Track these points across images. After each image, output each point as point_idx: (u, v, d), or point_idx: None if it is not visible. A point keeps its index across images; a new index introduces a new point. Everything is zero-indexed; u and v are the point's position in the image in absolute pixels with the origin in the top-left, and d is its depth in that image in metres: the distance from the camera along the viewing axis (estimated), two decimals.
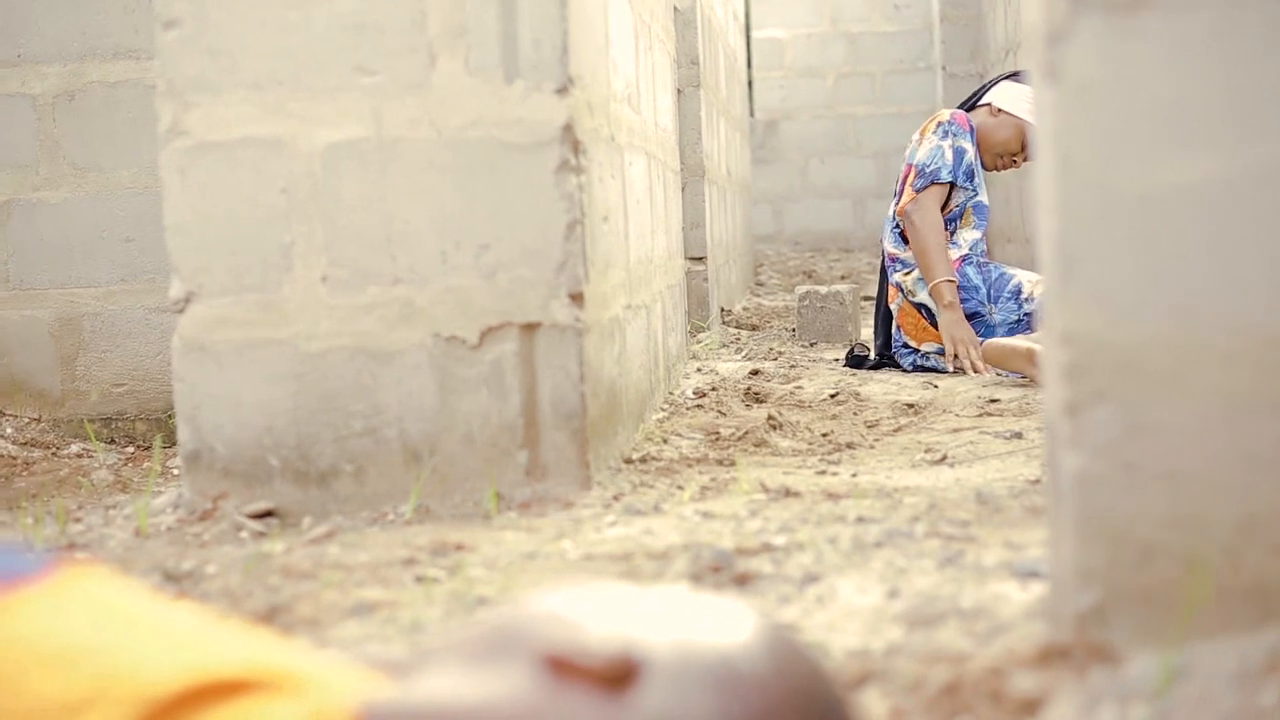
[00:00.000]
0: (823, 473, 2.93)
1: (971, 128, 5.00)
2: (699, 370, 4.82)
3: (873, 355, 5.11)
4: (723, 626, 1.02)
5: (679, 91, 5.96)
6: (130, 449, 3.85)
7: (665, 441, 3.24)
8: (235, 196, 2.58)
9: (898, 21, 12.30)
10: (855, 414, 3.81)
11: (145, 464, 3.53)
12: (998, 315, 4.87)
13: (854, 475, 2.88)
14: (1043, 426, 1.73)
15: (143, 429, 3.98)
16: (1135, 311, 1.49)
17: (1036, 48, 1.53)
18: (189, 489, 2.59)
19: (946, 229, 4.97)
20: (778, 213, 12.26)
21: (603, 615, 1.03)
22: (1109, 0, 1.48)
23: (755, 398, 4.04)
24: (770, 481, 2.73)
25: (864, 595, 1.86)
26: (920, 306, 4.93)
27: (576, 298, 2.55)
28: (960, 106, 5.17)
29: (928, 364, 4.93)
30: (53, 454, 3.70)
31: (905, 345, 4.99)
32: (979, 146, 5.06)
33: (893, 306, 5.05)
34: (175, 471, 3.25)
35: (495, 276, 2.55)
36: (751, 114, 12.18)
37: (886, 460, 3.11)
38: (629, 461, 2.93)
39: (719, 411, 3.76)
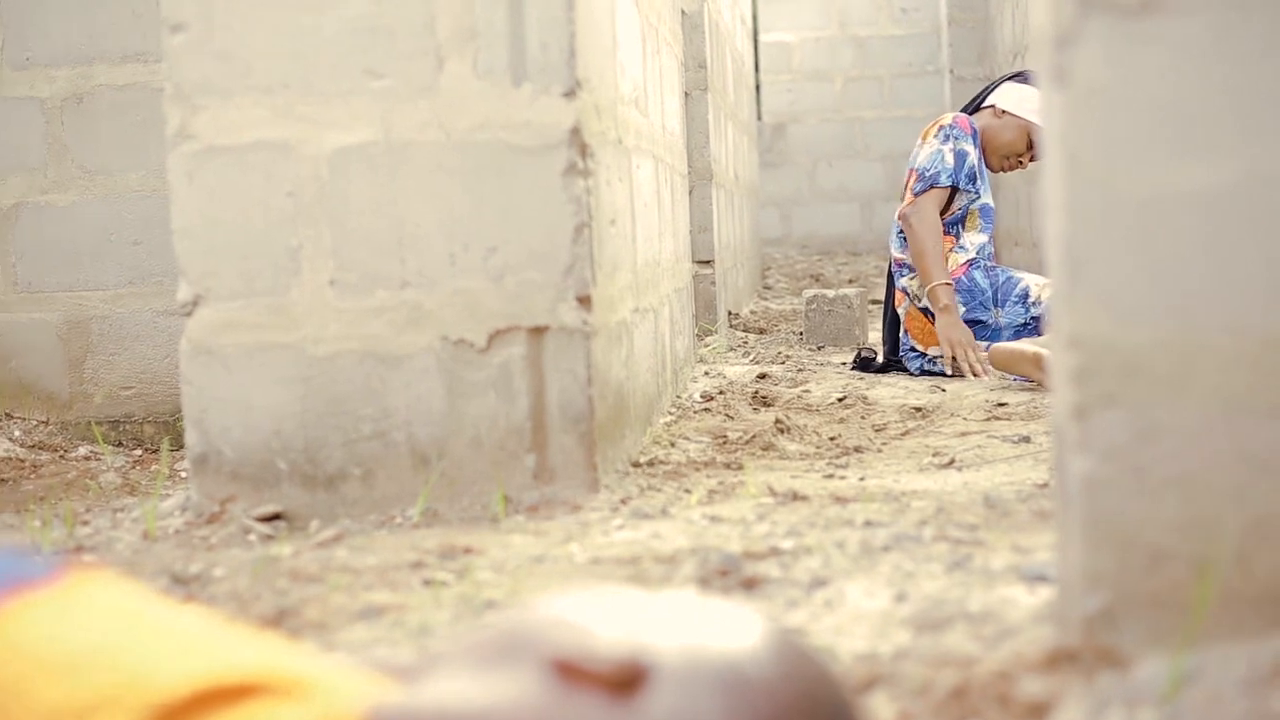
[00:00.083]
0: (830, 476, 2.92)
1: (974, 131, 5.00)
2: (706, 374, 4.82)
3: (880, 359, 5.11)
4: (730, 631, 1.02)
5: (686, 95, 5.96)
6: (138, 452, 3.85)
7: (673, 445, 3.24)
8: (243, 200, 2.58)
9: (905, 25, 12.28)
10: (863, 418, 3.81)
11: (153, 467, 3.54)
12: (1004, 318, 4.86)
13: (861, 479, 2.88)
14: (1051, 430, 1.73)
15: (150, 432, 3.98)
16: (1139, 313, 1.48)
17: (1045, 51, 1.53)
18: (197, 492, 2.59)
19: (949, 232, 4.97)
20: (785, 216, 12.25)
21: (611, 620, 1.03)
22: (1117, 3, 1.48)
23: (763, 401, 4.04)
24: (778, 485, 2.72)
25: (871, 599, 1.86)
26: (927, 311, 4.93)
27: (584, 301, 2.55)
28: (964, 109, 5.16)
29: (935, 368, 4.93)
30: (60, 457, 3.70)
31: (912, 349, 4.99)
32: (985, 149, 5.05)
33: (900, 310, 5.05)
34: (183, 474, 3.25)
35: (503, 279, 2.55)
36: (759, 117, 12.18)
37: (894, 464, 3.11)
38: (636, 465, 2.93)
39: (726, 415, 3.76)
